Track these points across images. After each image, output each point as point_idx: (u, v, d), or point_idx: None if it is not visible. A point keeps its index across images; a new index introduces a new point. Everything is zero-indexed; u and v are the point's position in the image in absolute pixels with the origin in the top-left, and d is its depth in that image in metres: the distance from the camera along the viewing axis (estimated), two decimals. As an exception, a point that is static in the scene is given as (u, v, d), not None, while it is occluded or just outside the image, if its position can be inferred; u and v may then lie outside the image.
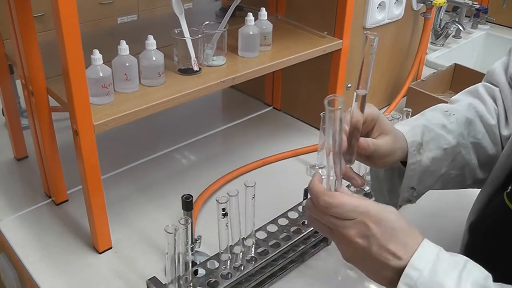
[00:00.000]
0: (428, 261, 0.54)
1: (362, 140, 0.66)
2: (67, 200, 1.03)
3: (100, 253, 0.92)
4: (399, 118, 1.01)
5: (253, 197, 0.76)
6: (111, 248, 0.93)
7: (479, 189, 0.78)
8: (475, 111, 0.76)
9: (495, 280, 0.54)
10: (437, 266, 0.53)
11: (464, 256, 0.56)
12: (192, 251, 0.78)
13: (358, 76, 0.64)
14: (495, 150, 0.77)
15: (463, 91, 0.83)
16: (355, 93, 0.66)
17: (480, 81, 1.51)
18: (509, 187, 0.67)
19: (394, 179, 0.76)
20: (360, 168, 0.93)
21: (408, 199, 0.75)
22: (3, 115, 1.12)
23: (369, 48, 0.63)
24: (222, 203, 0.72)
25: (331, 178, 0.58)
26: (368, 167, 1.02)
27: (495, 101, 0.78)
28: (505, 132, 0.76)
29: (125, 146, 1.24)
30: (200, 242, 0.88)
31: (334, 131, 0.55)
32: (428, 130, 0.73)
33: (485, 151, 0.76)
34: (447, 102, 1.29)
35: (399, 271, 0.54)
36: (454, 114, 0.75)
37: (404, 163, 0.72)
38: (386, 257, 0.55)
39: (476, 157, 0.76)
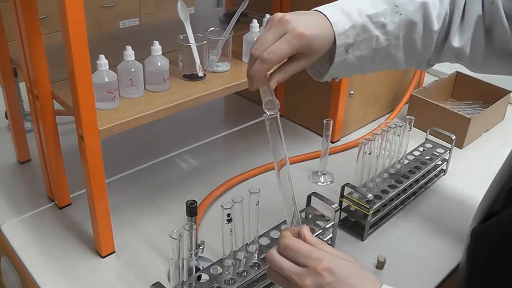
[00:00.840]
0: None
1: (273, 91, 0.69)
2: (70, 204, 1.04)
3: (103, 257, 0.92)
4: (402, 126, 1.02)
5: (257, 204, 0.76)
6: (114, 252, 0.93)
7: (482, 194, 0.77)
8: (423, 13, 0.72)
9: None
10: None
11: None
12: (195, 256, 0.78)
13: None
14: (424, 52, 0.75)
15: None
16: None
17: (482, 90, 1.51)
18: None
19: (323, 60, 0.75)
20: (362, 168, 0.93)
21: (332, 80, 0.76)
22: (7, 118, 1.12)
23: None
24: (227, 208, 0.73)
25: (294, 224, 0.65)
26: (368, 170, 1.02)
27: (453, 7, 0.74)
28: (455, 44, 0.74)
29: (129, 150, 1.24)
30: (203, 248, 0.88)
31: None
32: (365, 30, 0.71)
33: (414, 50, 0.75)
34: (449, 110, 1.29)
35: None
36: (401, 14, 0.72)
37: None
38: None
39: (404, 53, 0.75)
